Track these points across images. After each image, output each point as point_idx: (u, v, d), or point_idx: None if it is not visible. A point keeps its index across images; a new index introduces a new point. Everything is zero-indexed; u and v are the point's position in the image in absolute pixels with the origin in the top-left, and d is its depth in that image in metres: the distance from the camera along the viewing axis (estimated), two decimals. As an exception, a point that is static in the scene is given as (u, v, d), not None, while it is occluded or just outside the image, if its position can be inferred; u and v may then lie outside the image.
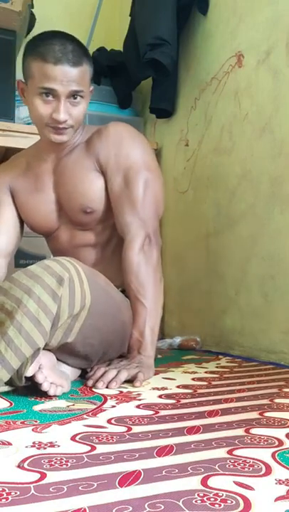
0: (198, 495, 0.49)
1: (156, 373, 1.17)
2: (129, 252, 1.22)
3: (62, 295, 0.95)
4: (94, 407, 0.87)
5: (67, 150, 1.30)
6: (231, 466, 0.57)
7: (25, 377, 0.91)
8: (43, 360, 0.94)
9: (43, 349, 0.98)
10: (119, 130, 1.29)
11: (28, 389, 0.96)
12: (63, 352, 1.03)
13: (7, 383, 0.94)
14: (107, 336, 1.09)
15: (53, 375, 0.95)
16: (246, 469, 0.57)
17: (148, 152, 1.33)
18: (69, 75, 1.15)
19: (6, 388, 0.95)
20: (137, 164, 1.28)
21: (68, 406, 0.88)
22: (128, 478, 0.54)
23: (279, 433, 0.71)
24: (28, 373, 0.91)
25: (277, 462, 0.59)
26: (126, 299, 1.22)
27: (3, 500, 0.48)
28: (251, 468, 0.57)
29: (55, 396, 0.93)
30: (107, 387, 1.02)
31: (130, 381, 1.06)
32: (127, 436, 0.70)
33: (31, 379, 0.92)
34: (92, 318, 1.02)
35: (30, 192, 1.37)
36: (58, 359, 1.04)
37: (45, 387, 0.91)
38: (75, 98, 1.19)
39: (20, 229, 1.43)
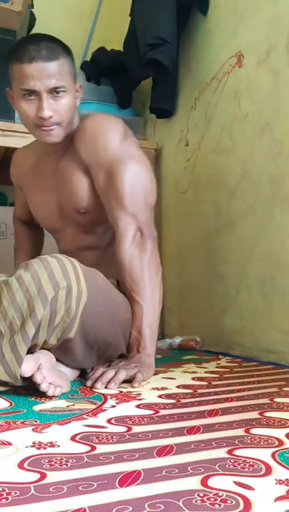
0: (198, 495, 0.49)
1: (156, 373, 1.17)
2: (119, 249, 1.20)
3: (59, 295, 0.95)
4: (94, 407, 0.87)
5: (64, 150, 1.29)
6: (231, 466, 0.57)
7: (24, 377, 0.91)
8: (42, 360, 0.94)
9: (43, 348, 0.98)
10: (94, 124, 1.26)
11: (28, 389, 0.96)
12: (62, 352, 1.02)
13: (4, 384, 0.94)
14: (105, 336, 1.08)
15: (52, 375, 0.95)
16: (246, 469, 0.57)
17: (128, 140, 1.27)
18: (45, 71, 1.15)
19: (3, 388, 0.95)
20: (117, 156, 1.23)
21: (68, 406, 0.88)
22: (128, 478, 0.54)
23: (279, 433, 0.71)
24: (27, 373, 0.90)
25: (277, 462, 0.59)
26: (126, 300, 1.20)
27: (3, 500, 0.48)
28: (251, 468, 0.57)
29: (54, 396, 0.93)
30: (105, 388, 1.02)
31: (129, 381, 1.05)
32: (127, 436, 0.70)
33: (30, 379, 0.92)
34: (90, 317, 1.01)
35: (34, 190, 1.41)
36: (57, 360, 1.04)
37: (43, 387, 0.91)
38: (58, 93, 1.17)
39: None
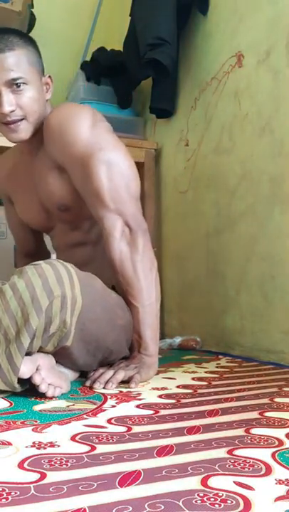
0: (198, 495, 0.49)
1: (157, 373, 1.17)
2: (108, 250, 1.14)
3: (54, 304, 0.92)
4: (94, 407, 0.87)
5: (37, 148, 1.24)
6: (231, 466, 0.57)
7: (23, 380, 0.91)
8: (41, 362, 0.93)
9: (41, 351, 0.97)
10: (59, 117, 1.16)
11: (28, 389, 0.95)
12: (61, 357, 1.01)
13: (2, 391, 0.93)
14: (107, 343, 1.05)
15: (52, 376, 0.94)
16: (246, 469, 0.57)
17: (98, 128, 1.17)
18: (0, 63, 1.09)
19: (3, 395, 0.95)
20: (88, 148, 1.13)
21: (68, 406, 0.88)
22: (128, 478, 0.54)
23: (279, 433, 0.71)
24: (25, 375, 0.90)
25: (277, 462, 0.59)
26: (122, 299, 1.15)
27: (3, 500, 0.48)
28: (251, 468, 0.57)
29: (53, 397, 0.93)
30: (104, 388, 1.02)
31: (128, 382, 1.05)
32: (127, 436, 0.70)
33: (29, 381, 0.91)
34: (87, 324, 0.99)
35: (17, 194, 1.38)
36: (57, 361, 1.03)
37: (42, 388, 0.90)
38: (18, 86, 1.11)
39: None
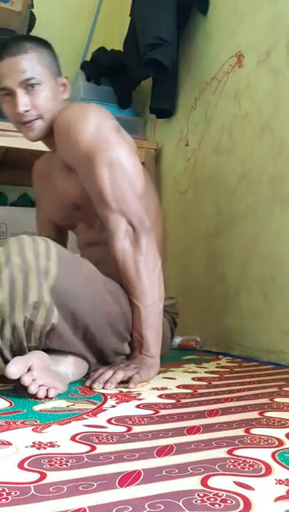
0: (198, 495, 0.49)
1: (157, 373, 1.17)
2: (112, 250, 1.14)
3: (28, 265, 0.94)
4: (94, 407, 0.87)
5: (54, 147, 1.28)
6: (231, 466, 0.57)
7: (13, 379, 0.90)
8: (34, 362, 0.91)
9: (34, 334, 0.97)
10: (65, 117, 1.18)
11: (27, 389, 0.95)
12: (56, 337, 1.00)
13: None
14: (83, 321, 1.02)
15: (45, 376, 0.92)
16: (246, 469, 0.57)
17: (103, 127, 1.17)
18: (14, 66, 1.16)
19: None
20: (90, 148, 1.14)
21: (68, 406, 0.88)
22: (128, 478, 0.54)
23: (279, 433, 0.71)
24: (14, 375, 0.88)
25: (277, 462, 0.59)
26: (120, 292, 1.14)
27: (3, 500, 0.48)
28: (251, 468, 0.57)
29: (47, 397, 0.92)
30: (103, 388, 1.02)
31: (127, 382, 1.05)
32: (127, 436, 0.70)
33: (19, 381, 0.90)
34: (62, 299, 0.97)
35: (44, 192, 1.45)
36: (59, 353, 1.02)
37: (32, 390, 0.89)
38: (33, 87, 1.17)
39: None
